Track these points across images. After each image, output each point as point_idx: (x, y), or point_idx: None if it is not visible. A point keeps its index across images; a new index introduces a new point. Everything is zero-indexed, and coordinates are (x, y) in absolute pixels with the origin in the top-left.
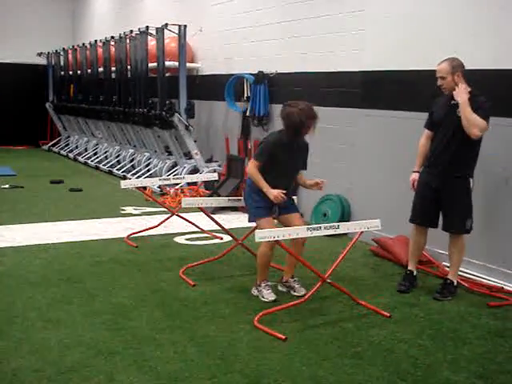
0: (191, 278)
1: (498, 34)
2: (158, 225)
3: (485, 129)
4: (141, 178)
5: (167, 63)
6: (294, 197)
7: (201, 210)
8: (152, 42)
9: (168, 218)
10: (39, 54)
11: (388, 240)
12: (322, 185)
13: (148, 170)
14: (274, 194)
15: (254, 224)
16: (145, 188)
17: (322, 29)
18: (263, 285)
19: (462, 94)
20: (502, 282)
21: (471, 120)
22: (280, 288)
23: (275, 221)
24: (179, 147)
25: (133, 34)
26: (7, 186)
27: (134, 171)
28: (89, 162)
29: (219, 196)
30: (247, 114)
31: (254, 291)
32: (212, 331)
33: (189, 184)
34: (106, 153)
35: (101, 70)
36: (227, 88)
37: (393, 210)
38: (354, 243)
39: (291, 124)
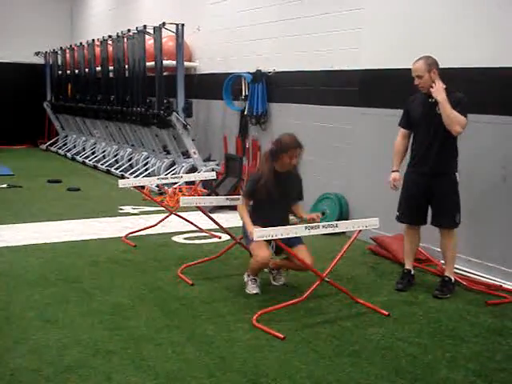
0: (189, 277)
1: (497, 33)
2: (156, 224)
3: (465, 125)
4: (139, 178)
5: (165, 62)
6: None
7: (199, 209)
8: (150, 41)
9: (166, 218)
10: (37, 54)
11: (386, 238)
12: (318, 220)
13: (146, 170)
14: (251, 232)
15: None
16: (143, 187)
17: (320, 27)
18: (251, 277)
19: (440, 91)
20: (500, 280)
21: (452, 117)
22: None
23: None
24: (177, 146)
25: (130, 33)
26: (5, 185)
27: (131, 170)
28: (87, 161)
29: (217, 195)
30: (245, 112)
31: (245, 278)
32: (210, 330)
33: (187, 183)
34: (103, 152)
35: (98, 69)
36: (225, 87)
37: (391, 208)
38: (353, 242)
39: (272, 151)
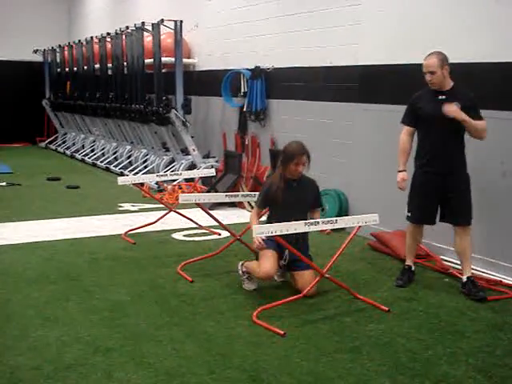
0: (189, 274)
1: (495, 28)
2: (156, 221)
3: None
4: (138, 175)
5: (163, 59)
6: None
7: (198, 206)
8: (148, 38)
9: (165, 215)
10: (35, 51)
11: (386, 234)
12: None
13: (145, 167)
14: (254, 240)
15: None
16: (142, 184)
17: (319, 23)
18: (246, 275)
19: (458, 112)
20: (500, 275)
21: (479, 128)
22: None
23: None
24: (176, 143)
25: (129, 30)
26: (4, 183)
27: (131, 168)
28: (86, 158)
29: (217, 192)
30: (244, 109)
31: (238, 267)
32: (210, 327)
33: (186, 180)
34: (103, 149)
35: (97, 66)
36: (224, 83)
37: (390, 204)
38: (352, 238)
39: (281, 159)
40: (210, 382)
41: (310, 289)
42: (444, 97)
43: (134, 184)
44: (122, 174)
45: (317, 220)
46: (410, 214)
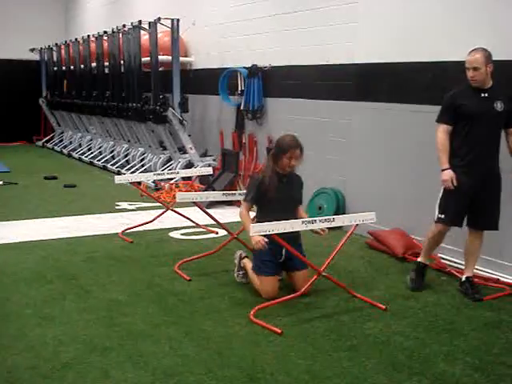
0: (186, 273)
1: (493, 26)
2: (153, 220)
3: None
4: (135, 173)
5: (160, 57)
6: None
7: (195, 204)
8: (145, 37)
9: (163, 213)
10: (32, 50)
11: (383, 232)
12: (323, 234)
13: (142, 165)
14: (256, 239)
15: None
16: (139, 183)
17: (315, 21)
18: (243, 271)
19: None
20: (497, 273)
21: None
22: None
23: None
24: (173, 142)
25: (125, 29)
26: (1, 182)
27: (128, 166)
28: (83, 157)
29: (214, 190)
30: (241, 107)
31: (236, 260)
32: (208, 326)
33: (183, 179)
34: (100, 148)
35: (94, 65)
36: (221, 82)
37: (388, 202)
38: (350, 236)
39: (273, 153)
40: (207, 380)
41: (307, 287)
42: (486, 95)
43: (131, 183)
44: (119, 173)
45: (314, 218)
46: (443, 216)
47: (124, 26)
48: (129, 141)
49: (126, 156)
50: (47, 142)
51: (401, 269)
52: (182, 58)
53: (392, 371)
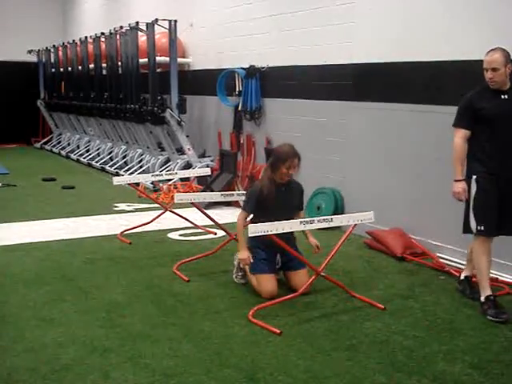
0: (185, 274)
1: (491, 25)
2: (152, 221)
3: None
4: (133, 175)
5: (158, 59)
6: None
7: (194, 205)
8: (142, 38)
9: (161, 214)
10: (30, 52)
11: (381, 232)
12: (318, 251)
13: (141, 167)
14: (242, 257)
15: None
16: (137, 184)
17: (313, 22)
18: (242, 272)
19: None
20: (496, 272)
21: None
22: None
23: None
24: (171, 143)
25: (123, 30)
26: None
27: (126, 168)
28: (81, 159)
29: (212, 191)
30: (239, 108)
31: (236, 261)
32: (207, 326)
33: (182, 180)
34: (98, 150)
35: (92, 66)
36: (219, 83)
37: (386, 202)
38: (348, 236)
39: (271, 162)
40: (206, 381)
41: (306, 287)
42: (506, 96)
43: (129, 184)
44: (117, 174)
45: (312, 219)
46: (483, 228)
47: (121, 27)
48: (127, 142)
49: (124, 157)
50: (45, 143)
51: (399, 268)
52: (179, 59)
53: (391, 371)
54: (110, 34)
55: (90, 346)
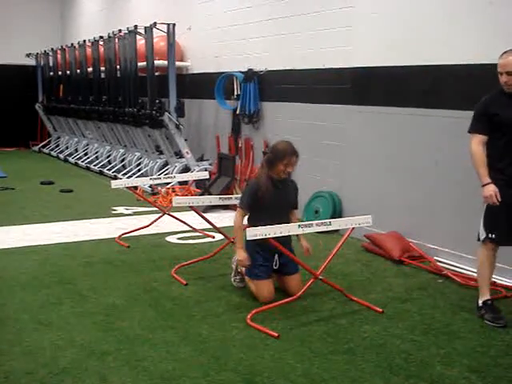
0: (183, 278)
1: (488, 29)
2: (150, 224)
3: None
4: (132, 178)
5: (156, 62)
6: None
7: (192, 208)
8: (141, 42)
9: (159, 218)
10: (28, 55)
11: (379, 236)
12: (307, 254)
13: (139, 170)
14: (240, 258)
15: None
16: (136, 188)
17: (311, 26)
18: (240, 276)
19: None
20: (493, 276)
21: None
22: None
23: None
24: (170, 146)
25: (121, 34)
26: None
27: (124, 171)
28: (79, 162)
29: (210, 194)
30: (237, 111)
31: (233, 264)
32: (205, 330)
33: (180, 183)
34: (96, 153)
35: (90, 70)
36: (217, 86)
37: (384, 205)
38: (346, 239)
39: (268, 159)
40: None
41: (303, 291)
42: None
43: (127, 187)
44: (115, 178)
45: (310, 222)
46: (493, 236)
47: (120, 30)
48: (125, 145)
49: (122, 161)
50: (44, 147)
51: (397, 272)
52: (177, 63)
53: (389, 374)
54: (109, 37)
55: (87, 349)
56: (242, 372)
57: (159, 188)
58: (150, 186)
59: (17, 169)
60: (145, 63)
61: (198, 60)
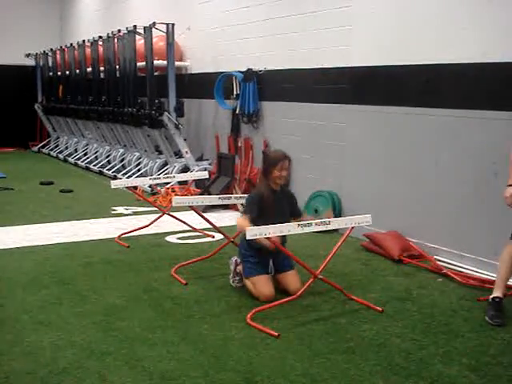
0: (183, 277)
1: (487, 28)
2: (149, 224)
3: None
4: (131, 178)
5: (156, 62)
6: None
7: (192, 208)
8: (140, 41)
9: (159, 218)
10: (27, 55)
11: (379, 235)
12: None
13: (138, 170)
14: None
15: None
16: (135, 188)
17: (310, 25)
18: (239, 277)
19: None
20: (493, 274)
21: None
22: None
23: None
24: (169, 146)
25: (121, 34)
26: None
27: (124, 171)
28: (79, 162)
29: (210, 194)
30: (237, 111)
31: (232, 266)
32: (204, 330)
33: (179, 183)
34: (96, 153)
35: (89, 70)
36: (216, 86)
37: (383, 204)
38: (345, 239)
39: (263, 169)
40: None
41: (303, 290)
42: None
43: (127, 187)
44: (115, 178)
45: (310, 221)
46: None
47: (119, 30)
48: (125, 145)
49: (121, 161)
50: (43, 147)
51: (397, 271)
52: (177, 63)
53: (389, 373)
54: (108, 37)
55: (87, 349)
56: (242, 371)
57: (159, 188)
58: (150, 186)
59: (16, 169)
60: (144, 63)
61: (198, 60)
